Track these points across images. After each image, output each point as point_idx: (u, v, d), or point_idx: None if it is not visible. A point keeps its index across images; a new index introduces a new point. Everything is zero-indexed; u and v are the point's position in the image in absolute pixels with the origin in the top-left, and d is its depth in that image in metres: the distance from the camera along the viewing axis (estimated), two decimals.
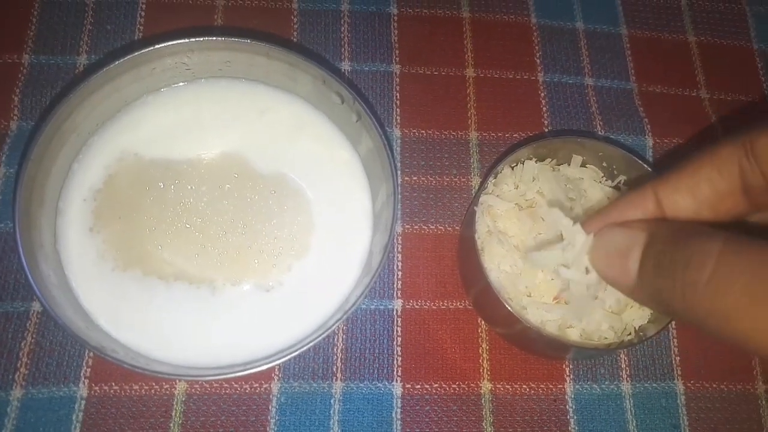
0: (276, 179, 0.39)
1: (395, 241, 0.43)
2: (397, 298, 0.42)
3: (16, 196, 0.34)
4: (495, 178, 0.40)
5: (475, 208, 0.38)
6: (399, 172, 0.45)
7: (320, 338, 0.32)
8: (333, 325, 0.33)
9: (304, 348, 0.32)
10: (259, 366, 0.32)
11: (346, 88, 0.38)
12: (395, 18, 0.50)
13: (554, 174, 0.41)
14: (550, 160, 0.41)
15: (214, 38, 0.39)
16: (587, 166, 0.41)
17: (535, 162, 0.41)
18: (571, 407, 0.40)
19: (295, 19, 0.50)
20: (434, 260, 0.43)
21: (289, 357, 0.32)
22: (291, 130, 0.41)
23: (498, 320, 0.39)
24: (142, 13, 0.48)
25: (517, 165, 0.41)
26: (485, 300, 0.38)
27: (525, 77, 0.50)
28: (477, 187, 0.45)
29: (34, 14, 0.47)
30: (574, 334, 0.36)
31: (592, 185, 0.41)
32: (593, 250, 0.31)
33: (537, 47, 0.51)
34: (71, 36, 0.47)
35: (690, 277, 0.25)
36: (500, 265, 0.38)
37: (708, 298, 0.24)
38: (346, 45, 0.49)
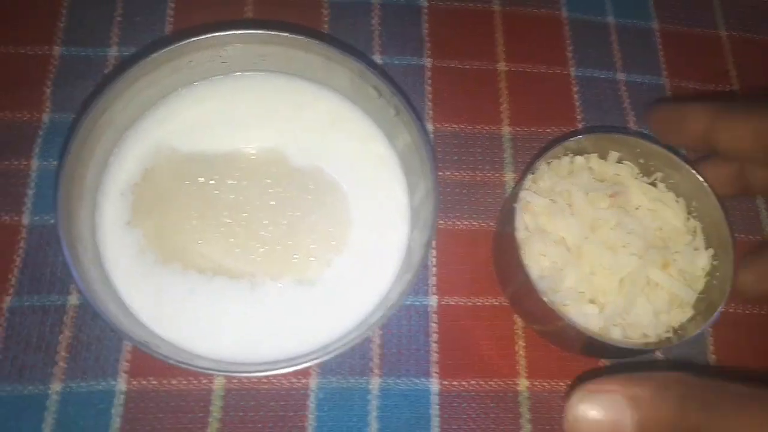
0: (313, 174, 0.39)
1: None
2: (432, 294, 0.41)
3: (57, 191, 0.34)
4: (533, 174, 0.40)
5: (514, 205, 0.38)
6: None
7: (369, 334, 0.32)
8: (379, 320, 0.33)
9: (353, 344, 0.32)
10: (307, 362, 0.32)
11: (385, 82, 0.38)
12: (425, 11, 0.50)
13: (590, 170, 0.41)
14: (586, 155, 0.41)
15: (253, 31, 0.38)
16: (624, 162, 0.41)
17: (572, 157, 0.41)
18: None
19: (325, 12, 0.49)
20: (468, 256, 0.43)
21: (336, 353, 0.32)
22: (328, 125, 0.41)
23: (537, 317, 0.39)
24: (172, 5, 0.48)
25: (553, 161, 0.41)
26: (524, 297, 0.38)
27: (557, 72, 0.49)
28: (511, 183, 0.45)
29: (65, 5, 0.47)
30: (615, 333, 0.36)
31: (629, 181, 0.40)
32: (576, 429, 0.31)
33: (568, 41, 0.50)
34: (101, 27, 0.47)
35: None
36: (540, 261, 0.38)
37: None
38: (376, 38, 0.49)
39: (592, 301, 0.37)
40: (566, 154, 0.41)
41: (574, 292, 0.37)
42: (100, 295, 0.33)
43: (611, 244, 0.38)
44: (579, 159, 0.41)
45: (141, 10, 0.48)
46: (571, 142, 0.39)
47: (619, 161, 0.41)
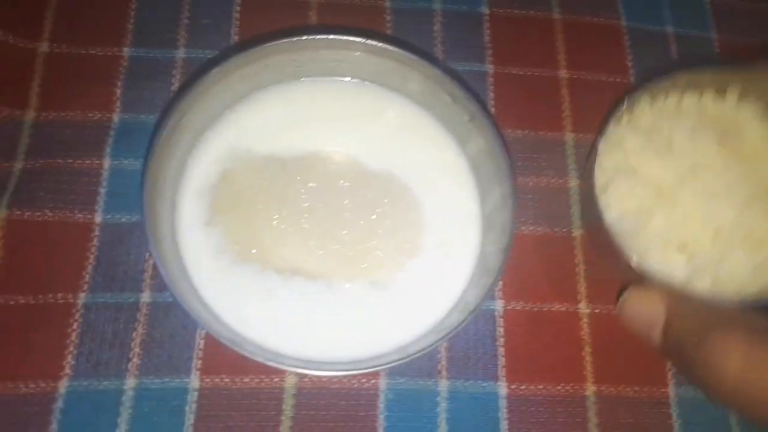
0: (386, 178, 0.40)
1: None
2: (499, 299, 0.42)
3: (143, 192, 0.34)
4: (629, 106, 0.35)
5: (599, 136, 0.34)
6: None
7: (448, 337, 0.33)
8: (459, 325, 0.33)
9: (432, 348, 0.32)
10: (388, 364, 0.32)
11: (461, 87, 0.38)
12: (487, 18, 0.50)
13: (701, 109, 0.37)
14: (699, 94, 0.37)
15: (330, 36, 0.39)
16: (745, 101, 0.36)
17: (680, 97, 0.37)
18: (674, 411, 0.40)
19: (388, 17, 0.50)
20: (534, 262, 0.43)
21: (418, 356, 0.32)
22: (400, 130, 0.41)
23: (616, 271, 0.36)
24: (238, 8, 0.49)
25: (657, 101, 0.36)
26: (602, 246, 0.35)
27: (618, 80, 0.49)
28: (575, 189, 0.45)
29: (133, 8, 0.48)
30: (703, 283, 0.33)
31: (748, 123, 0.36)
32: (622, 312, 0.36)
33: (628, 50, 0.51)
34: (168, 30, 0.48)
35: (715, 375, 0.29)
36: (624, 202, 0.35)
37: (736, 395, 0.28)
38: (439, 44, 0.49)
39: (680, 250, 0.34)
40: (670, 91, 0.36)
41: (658, 237, 0.34)
42: (183, 294, 0.34)
43: (713, 190, 0.34)
44: (689, 99, 0.36)
45: (208, 12, 0.48)
46: (683, 75, 0.35)
47: (741, 100, 0.36)
